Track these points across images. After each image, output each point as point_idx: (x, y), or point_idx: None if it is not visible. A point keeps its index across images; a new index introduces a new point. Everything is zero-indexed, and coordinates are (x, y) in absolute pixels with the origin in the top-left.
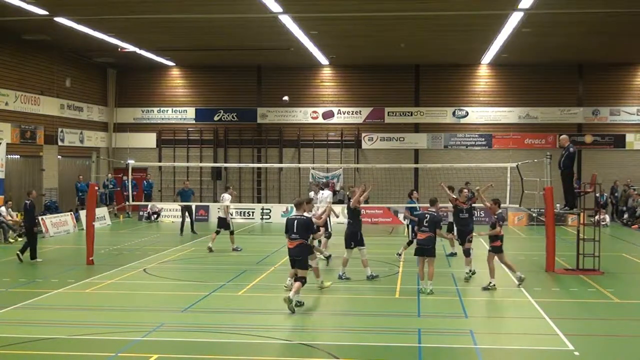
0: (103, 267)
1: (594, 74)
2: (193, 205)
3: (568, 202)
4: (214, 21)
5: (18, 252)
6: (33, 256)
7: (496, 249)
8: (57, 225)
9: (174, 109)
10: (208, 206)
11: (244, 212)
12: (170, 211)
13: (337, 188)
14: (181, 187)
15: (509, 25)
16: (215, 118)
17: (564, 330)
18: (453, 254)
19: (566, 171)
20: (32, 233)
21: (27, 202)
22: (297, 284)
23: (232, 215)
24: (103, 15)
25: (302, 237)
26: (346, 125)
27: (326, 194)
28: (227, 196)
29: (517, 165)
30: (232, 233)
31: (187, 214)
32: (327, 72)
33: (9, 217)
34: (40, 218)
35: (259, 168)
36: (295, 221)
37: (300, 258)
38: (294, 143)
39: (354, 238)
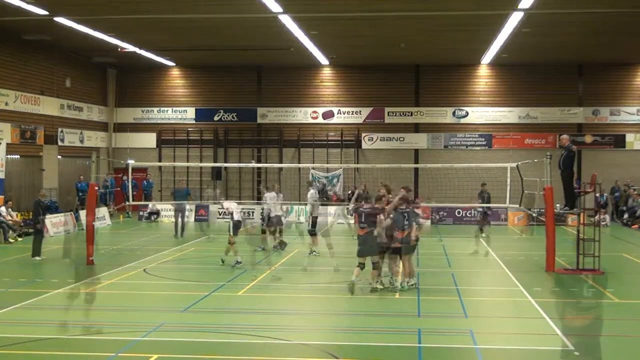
0: (103, 267)
1: (594, 74)
2: (190, 205)
3: (568, 202)
4: (214, 21)
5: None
6: (34, 254)
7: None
8: (57, 225)
9: (174, 109)
10: (208, 206)
11: (244, 212)
12: (170, 211)
13: (338, 188)
14: (175, 187)
15: (509, 25)
16: (215, 118)
17: (564, 330)
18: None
19: (566, 171)
20: (38, 230)
21: (35, 200)
22: (374, 271)
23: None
24: (103, 15)
25: (370, 226)
26: (346, 125)
27: (312, 192)
28: (280, 195)
29: (517, 165)
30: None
31: (179, 214)
32: (327, 72)
33: (9, 217)
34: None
35: (259, 168)
36: (364, 213)
37: (364, 246)
38: (294, 143)
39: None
